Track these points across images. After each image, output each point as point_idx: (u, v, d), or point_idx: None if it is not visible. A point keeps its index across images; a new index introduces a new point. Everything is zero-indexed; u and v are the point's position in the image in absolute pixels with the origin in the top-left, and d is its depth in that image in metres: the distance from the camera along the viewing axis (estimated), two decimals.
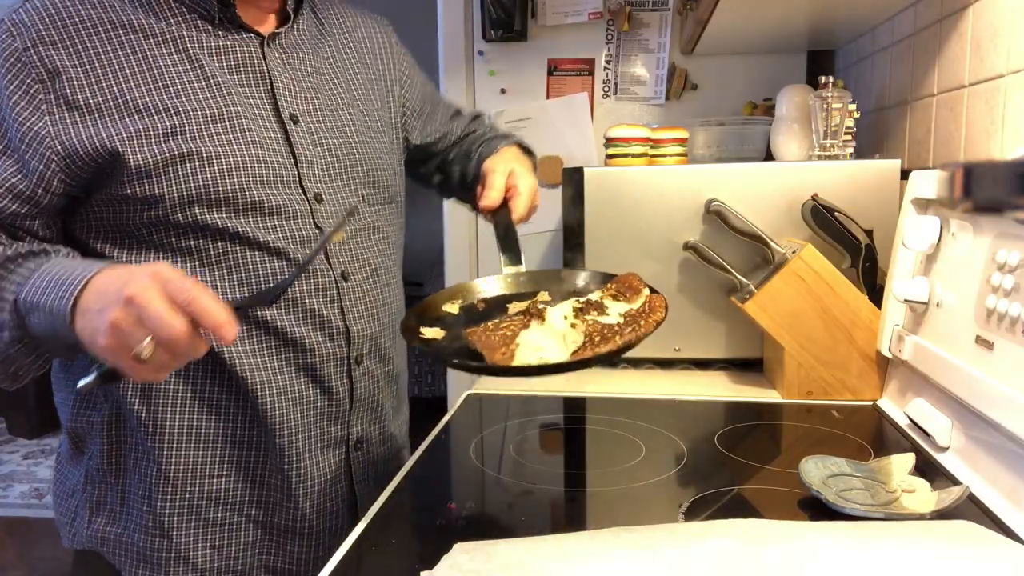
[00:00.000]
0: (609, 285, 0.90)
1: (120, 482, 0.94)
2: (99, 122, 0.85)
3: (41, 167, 0.84)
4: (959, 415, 0.91)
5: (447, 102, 1.31)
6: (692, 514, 0.80)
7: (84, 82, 0.85)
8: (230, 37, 0.94)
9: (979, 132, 1.10)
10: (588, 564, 0.62)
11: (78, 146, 0.84)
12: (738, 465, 0.95)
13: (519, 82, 2.03)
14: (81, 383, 0.70)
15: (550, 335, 0.79)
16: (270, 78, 0.95)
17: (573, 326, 0.80)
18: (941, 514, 0.74)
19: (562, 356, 0.76)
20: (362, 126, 1.04)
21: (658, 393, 1.25)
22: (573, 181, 1.40)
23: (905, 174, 1.17)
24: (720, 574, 0.60)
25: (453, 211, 2.11)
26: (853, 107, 1.41)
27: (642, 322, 0.79)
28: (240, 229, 0.90)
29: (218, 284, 0.90)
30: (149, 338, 0.66)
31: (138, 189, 0.86)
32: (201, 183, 0.87)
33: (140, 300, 0.66)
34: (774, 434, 1.10)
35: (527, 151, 1.27)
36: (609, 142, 1.47)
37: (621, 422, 1.10)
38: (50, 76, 0.84)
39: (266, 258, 0.91)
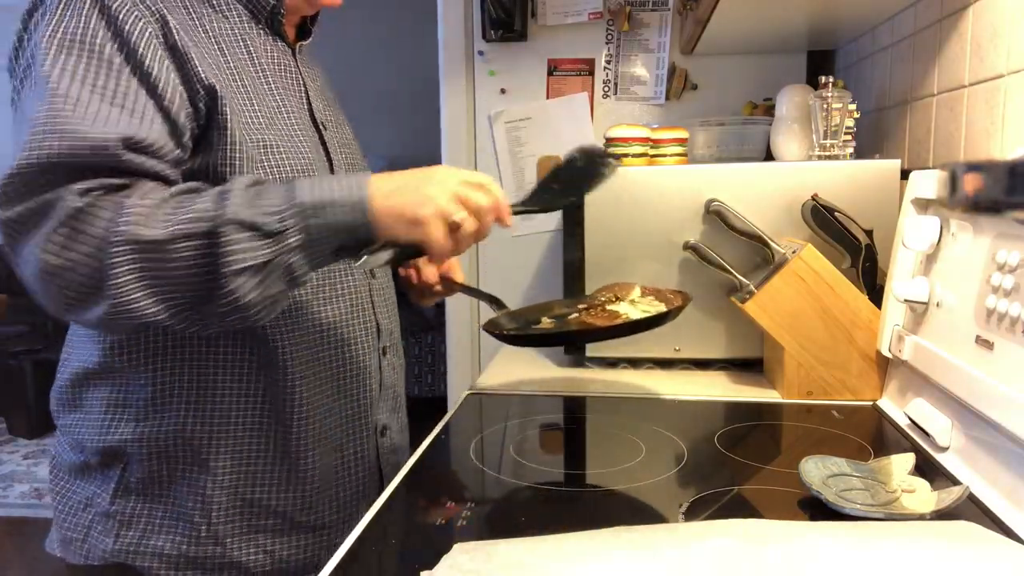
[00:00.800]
0: (600, 292, 1.19)
1: (165, 495, 0.93)
2: (199, 67, 0.86)
3: (177, 100, 0.84)
4: (959, 415, 0.91)
5: None
6: (692, 514, 0.80)
7: (183, 36, 0.86)
8: (271, 42, 0.99)
9: (979, 132, 1.10)
10: (588, 564, 0.62)
11: (191, 78, 0.85)
12: (738, 465, 0.94)
13: (519, 82, 2.03)
14: (362, 260, 0.81)
15: (634, 311, 1.12)
16: (304, 85, 1.01)
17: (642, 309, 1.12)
18: (941, 514, 0.74)
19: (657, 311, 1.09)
20: (355, 138, 1.12)
21: (658, 393, 1.25)
22: None
23: (905, 174, 1.17)
24: (720, 574, 0.60)
25: None
26: (853, 107, 1.41)
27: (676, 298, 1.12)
28: None
29: None
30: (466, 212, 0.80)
31: (228, 153, 0.87)
32: (270, 171, 0.90)
33: (459, 179, 0.82)
34: (774, 434, 1.10)
35: None
36: (609, 142, 1.46)
37: (621, 422, 1.10)
38: (160, 22, 0.85)
39: None
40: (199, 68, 0.85)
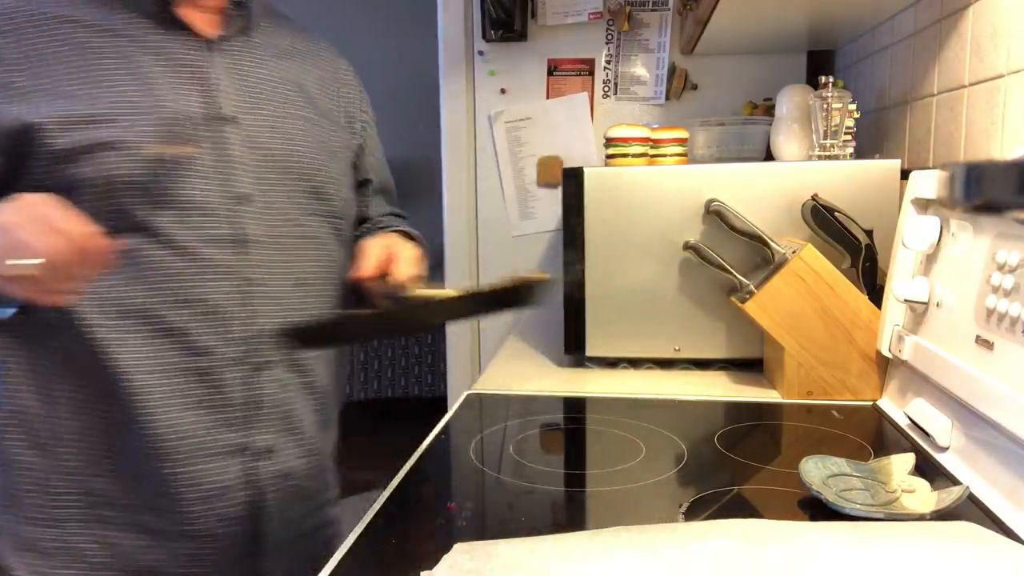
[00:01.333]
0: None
1: (7, 474, 0.94)
2: (27, 102, 0.87)
3: None
4: (959, 415, 0.91)
5: (387, 180, 1.28)
6: (692, 514, 0.80)
7: (20, 68, 0.88)
8: (172, 37, 0.95)
9: (979, 132, 1.10)
10: (588, 564, 0.62)
11: (3, 121, 0.87)
12: (738, 465, 0.95)
13: (519, 82, 2.03)
14: None
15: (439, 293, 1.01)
16: (208, 79, 0.96)
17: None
18: (941, 514, 0.74)
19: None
20: (315, 140, 1.04)
21: (658, 393, 1.25)
22: (573, 181, 1.40)
23: (905, 174, 1.17)
24: (720, 574, 0.60)
25: (453, 211, 2.11)
26: (853, 107, 1.41)
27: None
28: (156, 223, 0.90)
29: (126, 281, 0.90)
30: (37, 259, 0.74)
31: (57, 175, 0.87)
32: (116, 171, 0.88)
33: (9, 223, 0.75)
34: (774, 434, 1.10)
35: (414, 238, 1.21)
36: (609, 142, 1.46)
37: (621, 422, 1.10)
38: None
39: (176, 258, 0.91)
40: (24, 101, 0.87)
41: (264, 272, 0.96)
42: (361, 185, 1.19)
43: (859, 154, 1.47)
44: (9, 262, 0.75)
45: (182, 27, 0.96)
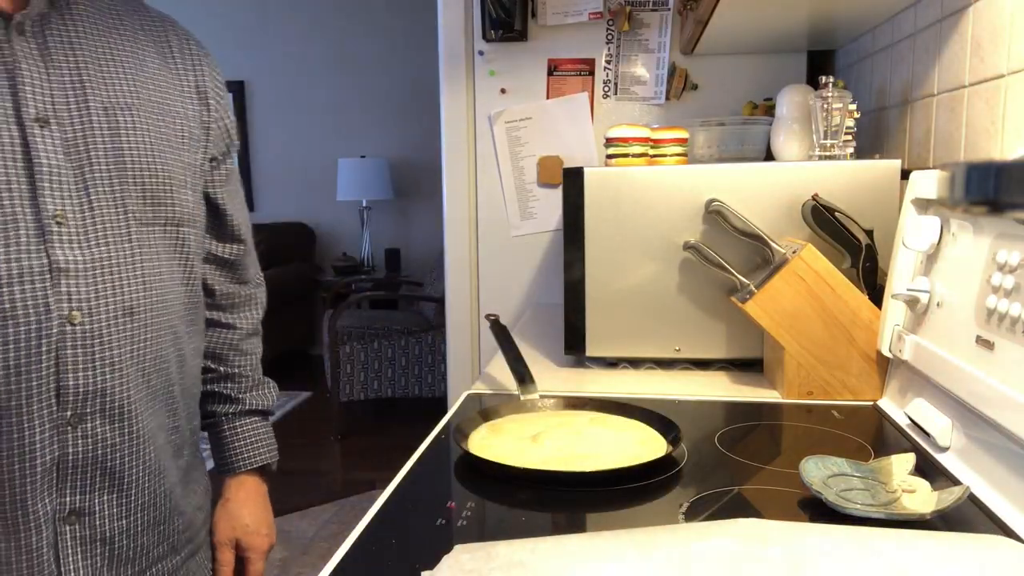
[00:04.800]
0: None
1: None
2: None
3: None
4: (959, 415, 0.91)
5: (245, 213, 1.09)
6: (692, 514, 0.80)
7: None
8: None
9: (979, 132, 1.10)
10: (588, 564, 0.62)
11: None
12: (738, 465, 0.94)
13: (519, 82, 2.03)
14: None
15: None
16: (13, 71, 0.79)
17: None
18: (941, 514, 0.74)
19: None
20: (149, 130, 0.88)
21: (658, 393, 1.25)
22: (573, 181, 1.40)
23: (905, 174, 1.17)
24: (720, 574, 0.60)
25: (453, 211, 2.11)
26: (853, 107, 1.41)
27: None
28: None
29: None
30: None
31: None
32: None
33: None
34: (774, 434, 1.10)
35: (266, 471, 1.11)
36: (609, 142, 1.47)
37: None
38: None
39: None
40: None
41: (79, 307, 0.81)
42: (217, 218, 1.02)
43: (859, 154, 1.47)
44: None
45: None
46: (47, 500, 0.81)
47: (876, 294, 1.18)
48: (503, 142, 2.05)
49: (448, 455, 1.00)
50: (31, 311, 0.78)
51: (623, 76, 1.99)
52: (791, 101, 1.55)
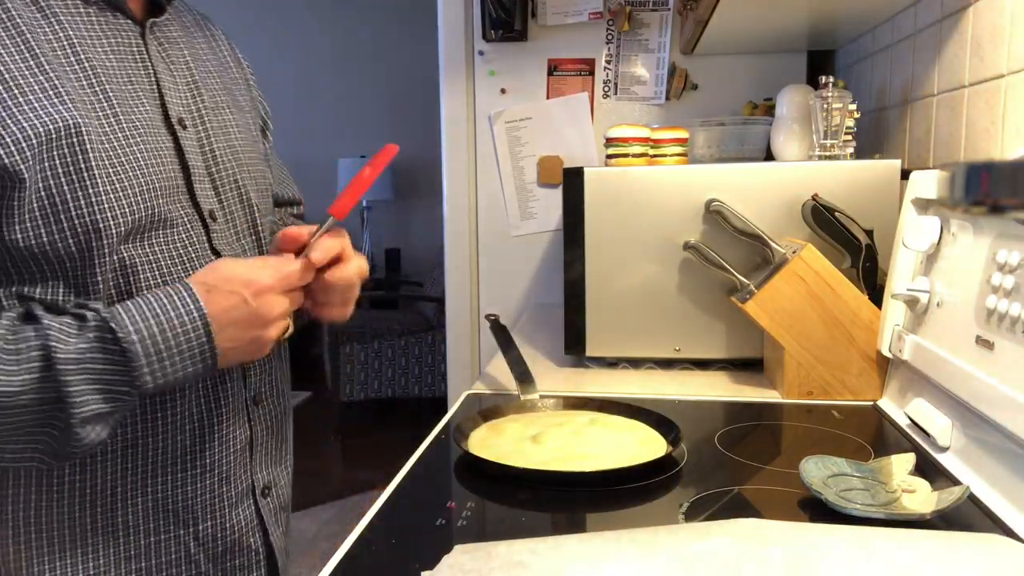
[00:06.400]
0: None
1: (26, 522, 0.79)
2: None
3: None
4: (959, 415, 0.91)
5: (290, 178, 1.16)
6: (692, 514, 0.80)
7: None
8: (109, 23, 0.78)
9: (979, 132, 1.10)
10: (589, 564, 0.62)
11: None
12: (738, 465, 0.94)
13: (519, 82, 2.03)
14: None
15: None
16: (155, 74, 0.81)
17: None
18: (941, 514, 0.74)
19: None
20: (239, 125, 0.91)
21: (658, 393, 1.25)
22: (573, 181, 1.40)
23: (905, 174, 1.17)
24: (721, 574, 0.60)
25: (453, 211, 2.11)
26: (853, 107, 1.41)
27: None
28: (133, 252, 0.76)
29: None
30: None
31: (27, 216, 0.70)
32: (97, 190, 0.73)
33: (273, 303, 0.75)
34: (774, 434, 1.10)
35: None
36: (609, 142, 1.47)
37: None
38: None
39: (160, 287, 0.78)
40: None
41: None
42: (280, 185, 1.09)
43: (859, 154, 1.47)
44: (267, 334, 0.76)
45: (114, 6, 0.80)
46: (243, 477, 0.89)
47: (876, 294, 1.18)
48: (503, 142, 2.05)
49: (448, 455, 1.00)
50: None
51: (623, 76, 1.99)
52: (791, 101, 1.55)
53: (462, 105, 2.07)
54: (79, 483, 0.77)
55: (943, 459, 0.91)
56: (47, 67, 0.71)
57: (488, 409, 1.08)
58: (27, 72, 0.70)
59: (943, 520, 0.75)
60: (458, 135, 2.08)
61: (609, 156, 1.47)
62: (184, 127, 0.82)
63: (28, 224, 0.70)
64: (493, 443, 0.97)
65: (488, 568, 0.62)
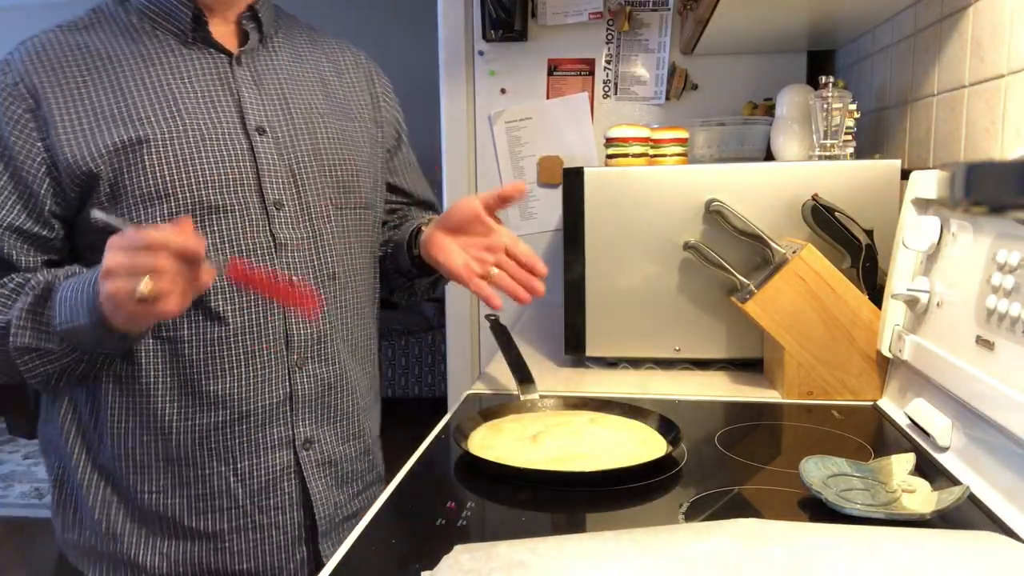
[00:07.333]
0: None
1: (76, 492, 1.02)
2: (75, 141, 0.93)
3: (40, 191, 0.94)
4: (959, 415, 0.91)
5: (424, 182, 1.32)
6: (692, 514, 0.80)
7: (63, 106, 0.94)
8: (201, 56, 1.01)
9: (979, 132, 1.10)
10: (589, 564, 0.62)
11: (61, 163, 0.93)
12: (738, 465, 0.94)
13: (519, 82, 2.03)
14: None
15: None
16: (238, 94, 1.01)
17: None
18: (941, 514, 0.74)
19: None
20: (338, 132, 1.09)
21: (658, 393, 1.25)
22: (573, 181, 1.40)
23: (905, 174, 1.17)
24: (721, 574, 0.60)
25: None
26: (853, 107, 1.41)
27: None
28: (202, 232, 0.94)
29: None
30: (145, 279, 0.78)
31: (104, 198, 0.94)
32: (155, 184, 0.94)
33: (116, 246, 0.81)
34: (774, 434, 1.10)
35: None
36: (609, 142, 1.47)
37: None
38: (35, 104, 0.94)
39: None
40: (73, 141, 0.93)
41: (296, 271, 1.02)
42: (395, 192, 1.24)
43: (859, 154, 1.47)
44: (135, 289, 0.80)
45: (210, 44, 1.02)
46: (281, 428, 1.02)
47: (876, 294, 1.18)
48: (503, 142, 2.05)
49: (448, 455, 1.00)
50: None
51: (623, 76, 1.99)
52: (791, 101, 1.55)
53: (462, 105, 2.07)
54: (148, 418, 0.97)
55: (943, 459, 0.91)
56: (130, 100, 0.96)
57: (488, 409, 1.08)
58: (113, 104, 0.95)
59: (943, 520, 0.75)
60: (458, 135, 2.08)
61: (609, 156, 1.47)
62: (262, 133, 1.01)
63: (101, 205, 0.94)
64: (493, 443, 0.97)
65: (488, 568, 0.62)
